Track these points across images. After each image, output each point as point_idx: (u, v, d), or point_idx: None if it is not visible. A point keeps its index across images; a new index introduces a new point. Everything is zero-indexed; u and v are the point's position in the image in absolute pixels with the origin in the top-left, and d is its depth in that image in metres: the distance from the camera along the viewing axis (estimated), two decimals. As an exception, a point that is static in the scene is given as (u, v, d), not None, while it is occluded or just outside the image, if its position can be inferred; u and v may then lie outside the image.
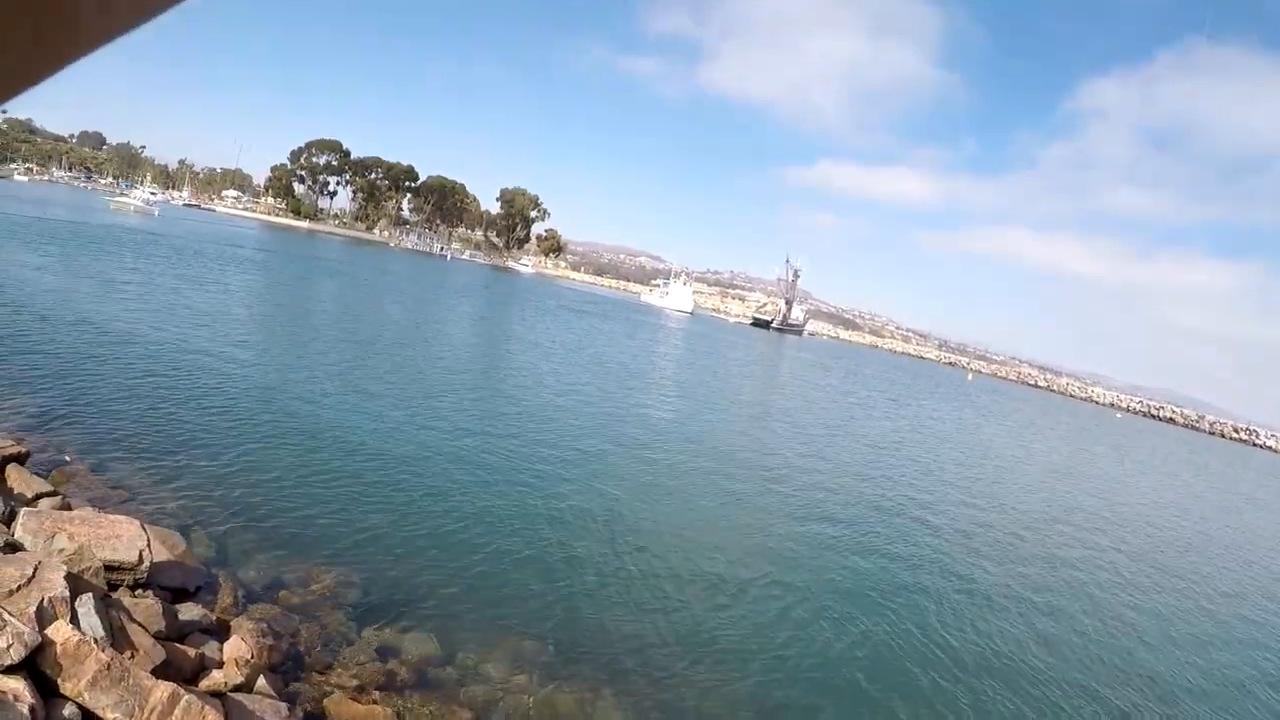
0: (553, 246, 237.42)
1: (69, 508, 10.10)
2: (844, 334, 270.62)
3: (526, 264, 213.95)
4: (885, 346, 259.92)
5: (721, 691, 10.90)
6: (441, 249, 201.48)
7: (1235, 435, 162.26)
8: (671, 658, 11.46)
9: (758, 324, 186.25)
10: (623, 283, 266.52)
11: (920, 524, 22.89)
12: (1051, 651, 15.14)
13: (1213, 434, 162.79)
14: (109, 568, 8.25)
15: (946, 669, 13.21)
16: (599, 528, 16.44)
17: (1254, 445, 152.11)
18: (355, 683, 9.06)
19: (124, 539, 8.66)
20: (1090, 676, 14.36)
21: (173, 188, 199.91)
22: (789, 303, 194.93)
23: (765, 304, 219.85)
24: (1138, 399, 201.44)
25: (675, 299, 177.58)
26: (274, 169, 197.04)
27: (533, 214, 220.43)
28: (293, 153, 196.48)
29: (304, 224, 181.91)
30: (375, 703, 8.75)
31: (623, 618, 12.48)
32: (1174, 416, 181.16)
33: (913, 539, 21.13)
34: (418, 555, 13.07)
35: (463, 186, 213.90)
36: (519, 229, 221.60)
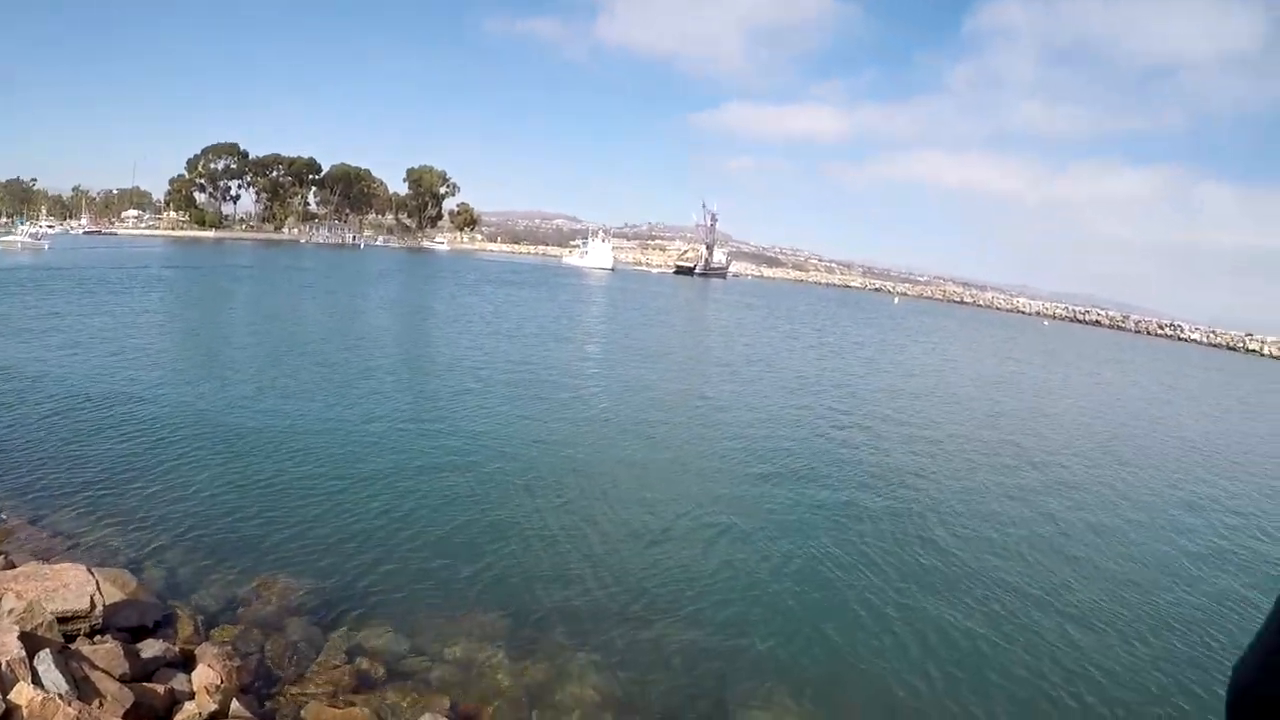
0: (466, 221, 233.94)
1: (12, 565, 9.90)
2: (768, 272, 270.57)
3: (442, 242, 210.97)
4: (810, 280, 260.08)
5: (667, 627, 11.26)
6: (355, 238, 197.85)
7: (1161, 332, 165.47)
8: (625, 605, 11.78)
9: (681, 271, 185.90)
10: (541, 248, 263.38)
11: (846, 445, 23.62)
12: (974, 553, 15.67)
13: (1139, 332, 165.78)
14: (62, 619, 8.13)
15: (871, 581, 13.74)
16: (533, 491, 16.75)
17: (1179, 340, 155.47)
18: (329, 688, 9.10)
19: (72, 587, 8.54)
20: (1014, 574, 14.89)
21: (70, 217, 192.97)
22: (710, 247, 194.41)
23: (686, 251, 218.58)
24: (1063, 306, 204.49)
25: (595, 257, 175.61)
26: (172, 181, 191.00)
27: (442, 190, 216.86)
28: (189, 161, 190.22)
29: (210, 233, 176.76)
30: (353, 704, 8.79)
31: (572, 574, 12.76)
32: (1100, 319, 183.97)
33: (840, 460, 21.81)
34: (364, 547, 13.17)
35: (368, 172, 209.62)
36: (430, 208, 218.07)
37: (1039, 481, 22.12)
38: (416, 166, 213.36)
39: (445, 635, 10.41)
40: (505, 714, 9.06)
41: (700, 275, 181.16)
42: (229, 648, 9.39)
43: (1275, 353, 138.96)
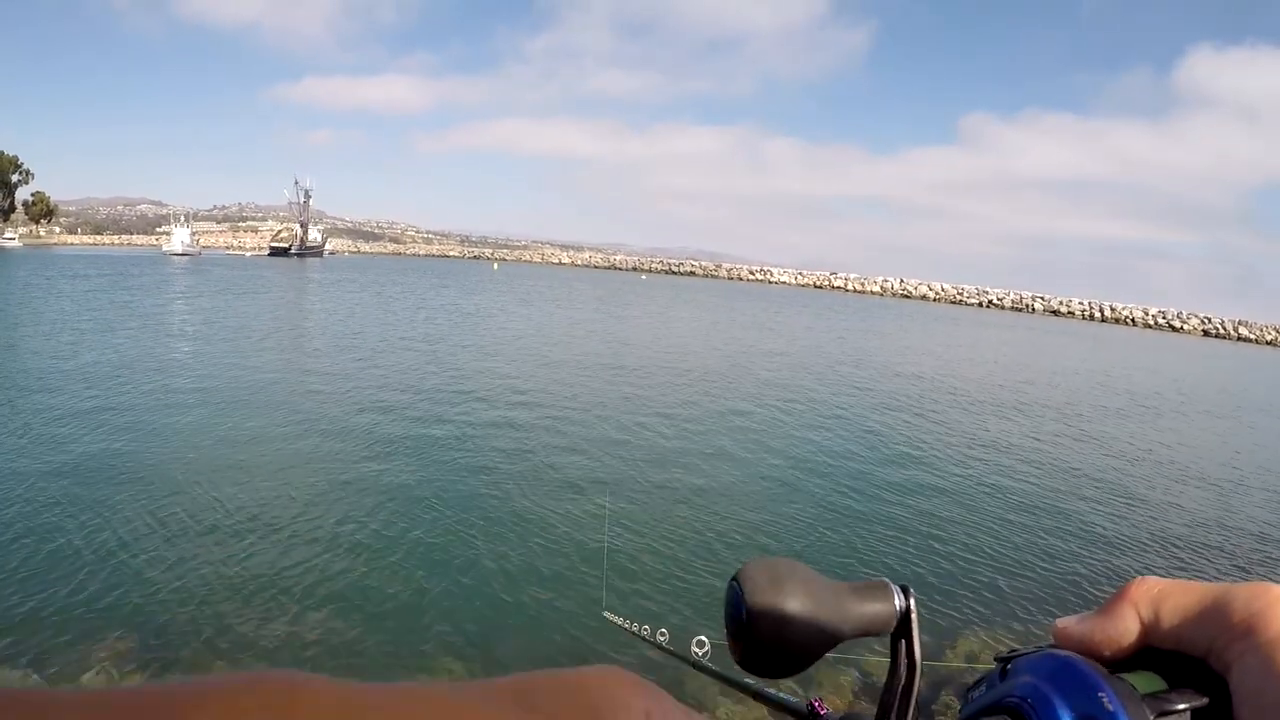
0: (43, 211, 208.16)
1: None
2: (366, 247, 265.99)
3: (11, 237, 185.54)
4: (409, 252, 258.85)
5: (303, 618, 10.08)
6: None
7: (752, 276, 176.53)
8: (255, 603, 10.41)
9: (275, 252, 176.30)
10: (126, 237, 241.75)
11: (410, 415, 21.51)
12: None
13: (731, 279, 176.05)
14: None
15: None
16: (130, 502, 13.97)
17: (770, 283, 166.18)
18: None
19: None
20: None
21: None
22: (304, 225, 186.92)
23: (280, 231, 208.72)
24: (659, 259, 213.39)
25: (177, 244, 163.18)
26: None
27: (15, 178, 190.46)
28: None
29: None
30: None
31: (194, 579, 11.09)
32: (694, 270, 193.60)
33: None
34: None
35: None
36: (2, 199, 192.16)
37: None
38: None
39: (78, 663, 8.80)
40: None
41: (297, 255, 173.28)
42: None
43: (857, 288, 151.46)
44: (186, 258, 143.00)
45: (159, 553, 12.10)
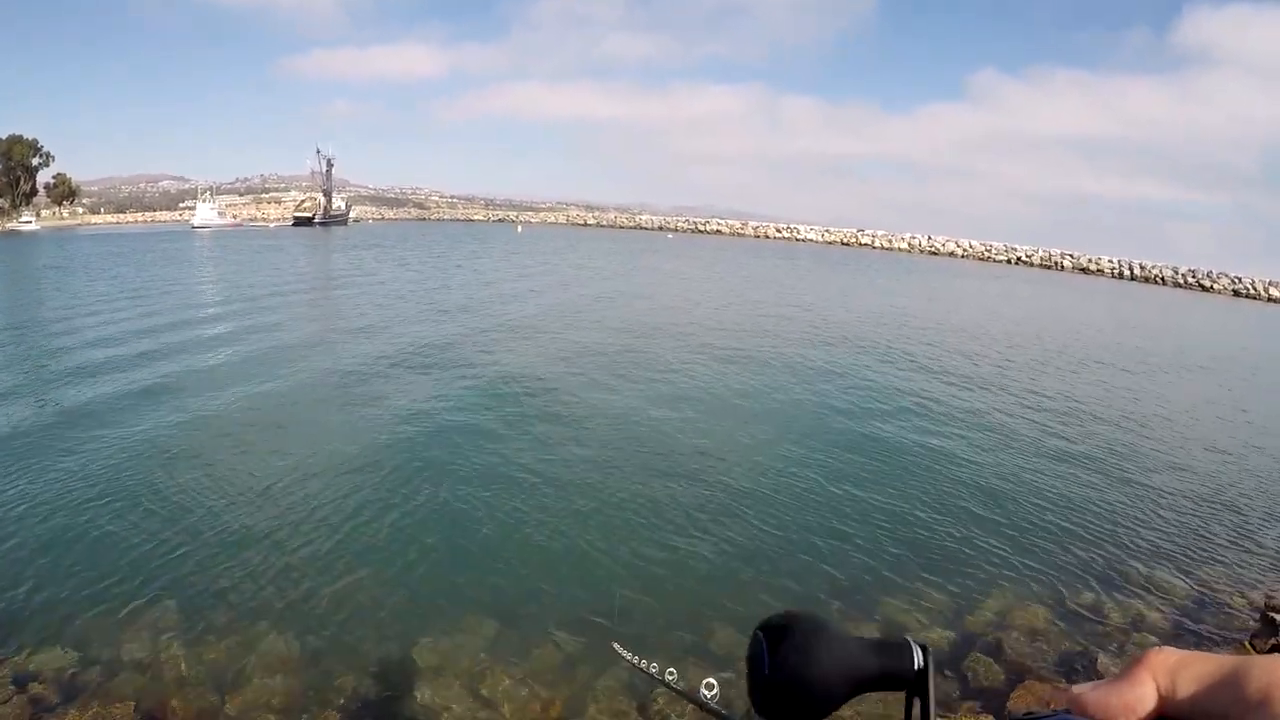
0: (65, 193, 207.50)
1: None
2: (390, 213, 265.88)
3: (29, 220, 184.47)
4: (434, 217, 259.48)
5: (345, 580, 10.43)
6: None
7: (779, 235, 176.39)
8: (294, 566, 10.74)
9: (300, 223, 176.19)
10: (149, 214, 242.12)
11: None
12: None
13: (758, 237, 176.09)
14: None
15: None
16: (171, 468, 14.41)
17: (798, 241, 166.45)
18: (-6, 728, 7.55)
19: None
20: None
21: None
22: (327, 194, 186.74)
23: (304, 201, 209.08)
24: (685, 219, 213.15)
25: (201, 218, 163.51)
26: None
27: (35, 161, 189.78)
28: None
29: None
30: (25, 738, 7.47)
31: (230, 543, 11.35)
32: (720, 229, 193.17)
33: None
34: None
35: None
36: (23, 182, 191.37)
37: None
38: (4, 137, 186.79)
39: (116, 638, 9.01)
40: (193, 701, 8.11)
41: (321, 224, 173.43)
42: None
43: (884, 245, 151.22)
44: (208, 229, 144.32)
45: (192, 514, 12.21)
